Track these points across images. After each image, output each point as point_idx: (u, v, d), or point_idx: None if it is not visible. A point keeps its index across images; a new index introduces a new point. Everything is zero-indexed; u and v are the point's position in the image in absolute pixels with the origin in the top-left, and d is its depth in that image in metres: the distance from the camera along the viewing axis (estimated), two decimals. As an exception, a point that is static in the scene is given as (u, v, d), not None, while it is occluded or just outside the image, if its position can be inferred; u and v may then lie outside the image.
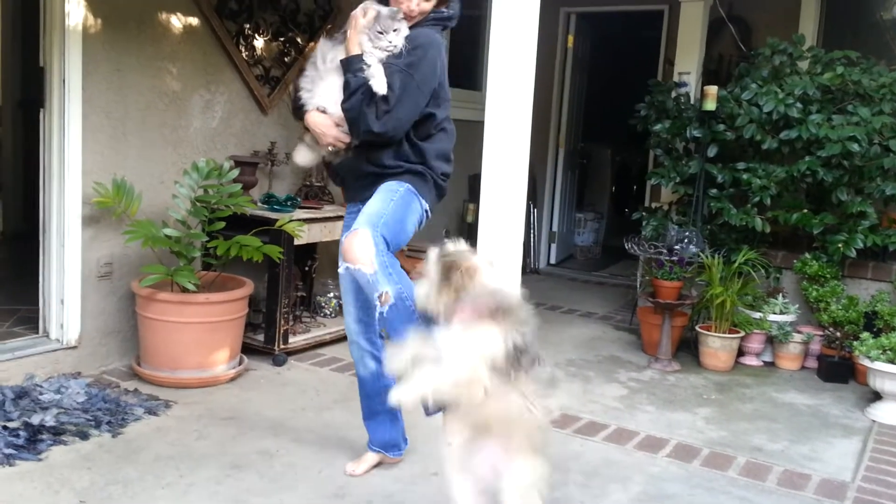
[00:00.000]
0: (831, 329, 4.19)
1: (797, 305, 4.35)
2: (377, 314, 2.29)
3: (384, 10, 2.42)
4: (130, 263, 3.66)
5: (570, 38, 6.70)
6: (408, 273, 2.80)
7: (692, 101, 4.81)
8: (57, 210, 3.47)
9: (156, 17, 3.70)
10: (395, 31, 2.39)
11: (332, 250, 4.73)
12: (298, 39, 4.42)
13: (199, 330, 3.38)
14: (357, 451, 2.91)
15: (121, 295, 3.66)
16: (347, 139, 2.50)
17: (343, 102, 2.43)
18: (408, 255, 5.02)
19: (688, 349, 4.41)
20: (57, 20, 3.33)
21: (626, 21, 6.95)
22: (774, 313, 4.31)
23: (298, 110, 2.55)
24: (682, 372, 4.17)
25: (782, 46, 4.56)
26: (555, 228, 7.01)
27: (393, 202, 2.43)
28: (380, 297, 2.26)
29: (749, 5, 5.60)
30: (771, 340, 4.35)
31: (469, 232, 5.87)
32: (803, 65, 4.61)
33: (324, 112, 2.49)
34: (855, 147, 4.06)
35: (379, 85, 2.37)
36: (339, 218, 4.11)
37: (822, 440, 3.33)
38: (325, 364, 3.87)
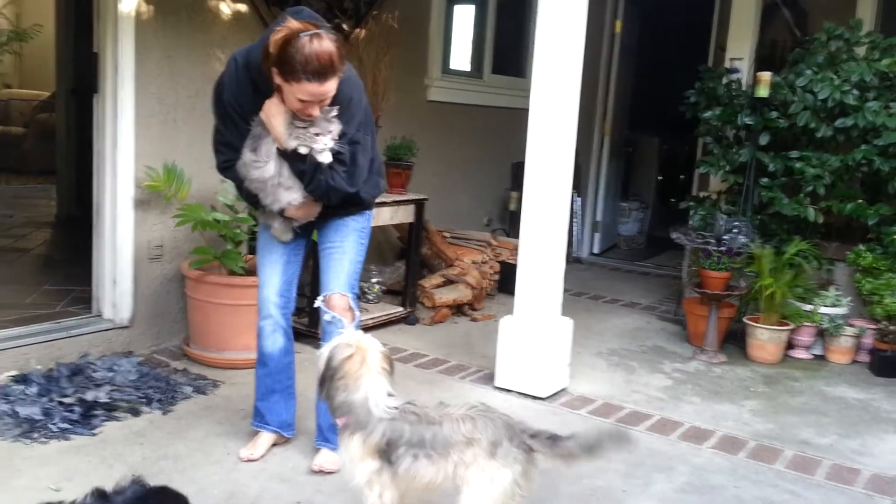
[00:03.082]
0: (885, 322, 4.08)
1: (849, 298, 4.24)
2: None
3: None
4: (180, 246, 3.74)
5: (618, 24, 6.61)
6: (451, 258, 2.80)
7: (744, 88, 4.70)
8: (110, 194, 3.55)
9: (205, 4, 3.75)
10: (329, 132, 2.32)
11: (375, 236, 4.76)
12: (345, 26, 4.44)
13: (245, 312, 3.42)
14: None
15: (171, 277, 3.74)
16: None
17: (307, 188, 2.41)
18: (450, 241, 5.04)
19: (734, 341, 4.34)
20: (110, 7, 3.41)
21: (676, 5, 6.82)
22: (826, 306, 4.21)
23: (253, 199, 2.50)
24: (728, 364, 4.11)
25: (839, 31, 4.43)
26: (599, 218, 6.94)
27: (363, 245, 2.66)
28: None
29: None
30: (821, 333, 4.25)
31: (512, 220, 5.86)
32: (860, 51, 4.47)
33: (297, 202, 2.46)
34: (913, 135, 3.94)
35: (325, 157, 2.34)
36: (389, 204, 4.15)
37: (873, 435, 3.25)
38: (368, 348, 3.90)
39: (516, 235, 3.51)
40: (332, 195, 2.45)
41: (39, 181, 7.64)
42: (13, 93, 9.53)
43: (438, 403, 2.12)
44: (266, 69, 2.25)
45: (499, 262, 5.13)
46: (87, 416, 2.85)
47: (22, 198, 7.19)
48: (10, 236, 5.45)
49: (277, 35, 2.19)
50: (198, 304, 3.53)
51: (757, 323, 4.17)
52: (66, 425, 2.77)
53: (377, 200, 3.70)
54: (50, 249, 5.29)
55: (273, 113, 2.32)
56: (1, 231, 5.58)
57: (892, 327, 4.04)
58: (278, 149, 2.35)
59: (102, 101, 3.51)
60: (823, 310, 4.20)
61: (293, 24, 2.20)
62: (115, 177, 3.53)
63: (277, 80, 2.24)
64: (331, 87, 2.24)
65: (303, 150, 2.32)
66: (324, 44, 2.18)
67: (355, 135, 2.42)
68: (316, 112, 2.28)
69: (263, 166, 2.37)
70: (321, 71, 2.18)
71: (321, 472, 2.59)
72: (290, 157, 2.35)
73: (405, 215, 4.34)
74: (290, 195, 2.42)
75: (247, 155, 2.39)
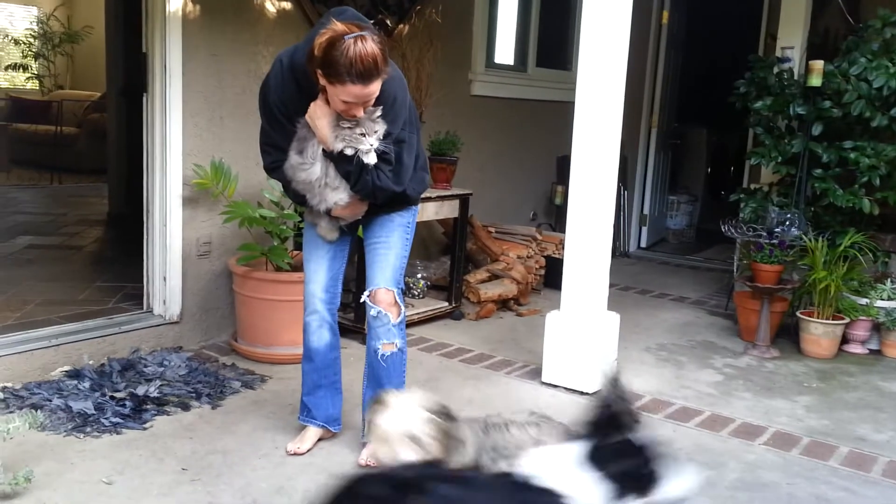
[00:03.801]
0: (945, 316, 3.95)
1: (907, 291, 4.11)
2: (379, 356, 2.58)
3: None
4: (227, 243, 3.79)
5: (665, 14, 6.49)
6: (496, 253, 2.76)
7: (796, 77, 4.59)
8: (159, 191, 3.61)
9: (251, 2, 3.79)
10: (375, 132, 2.31)
11: (420, 231, 4.77)
12: (388, 22, 4.44)
13: (292, 308, 3.45)
14: (446, 429, 2.93)
15: (219, 273, 3.79)
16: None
17: (354, 188, 2.40)
18: (495, 236, 5.02)
19: (787, 335, 4.24)
20: (158, 7, 3.46)
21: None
22: (882, 299, 4.09)
23: (300, 199, 2.52)
24: (780, 359, 4.01)
25: (894, 19, 4.28)
26: (646, 211, 6.84)
27: (408, 240, 2.65)
28: (388, 344, 2.58)
29: (858, -25, 5.29)
30: (878, 327, 4.13)
31: (557, 214, 5.82)
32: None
33: (343, 202, 2.46)
34: (974, 123, 3.79)
35: (370, 158, 2.33)
36: (434, 199, 4.14)
37: (934, 433, 3.15)
38: (413, 344, 3.90)
39: (562, 230, 3.48)
40: (379, 194, 2.45)
41: (92, 180, 7.82)
42: (65, 94, 9.78)
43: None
44: (311, 71, 2.26)
45: (544, 256, 5.09)
46: (137, 411, 2.90)
47: (75, 196, 7.38)
48: (64, 234, 5.59)
49: (322, 38, 2.19)
50: (245, 300, 3.57)
51: (810, 317, 4.06)
52: (117, 419, 2.83)
53: (422, 196, 3.69)
54: (102, 247, 5.42)
55: (318, 115, 2.32)
56: (54, 229, 5.73)
57: (952, 322, 3.91)
58: (324, 150, 2.36)
59: (151, 100, 3.57)
60: (879, 303, 4.08)
61: (337, 26, 2.20)
62: (165, 175, 3.59)
63: (322, 81, 2.24)
64: (375, 88, 2.24)
65: (349, 152, 2.32)
66: (368, 46, 2.17)
67: (401, 133, 2.42)
68: (360, 113, 2.28)
69: (310, 168, 2.38)
70: (365, 73, 2.18)
71: (368, 466, 2.60)
72: (336, 159, 2.35)
73: (450, 210, 4.33)
74: (336, 195, 2.42)
75: (293, 157, 2.40)
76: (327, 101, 2.31)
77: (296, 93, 2.36)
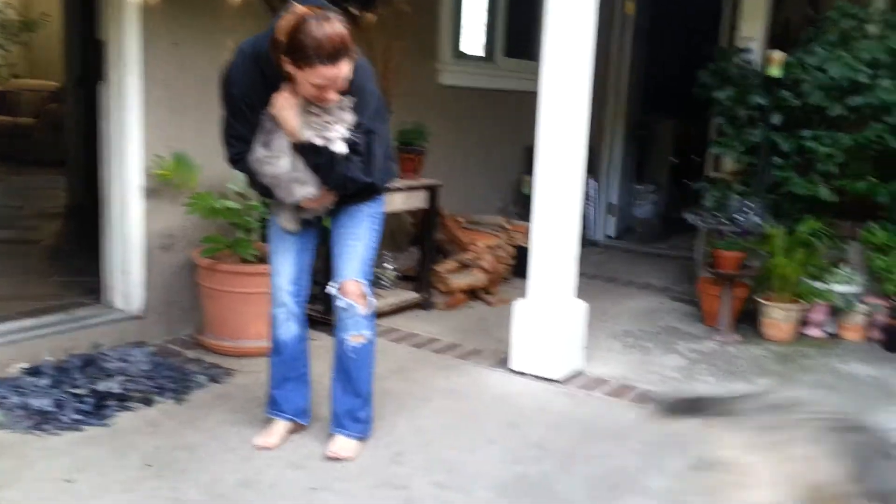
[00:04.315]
0: (898, 300, 4.05)
1: (862, 276, 4.20)
2: (348, 348, 2.57)
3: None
4: (191, 235, 3.73)
5: (630, 6, 6.53)
6: (465, 243, 2.72)
7: (756, 68, 4.65)
8: (118, 183, 3.54)
9: (212, -10, 3.73)
10: (343, 120, 2.29)
11: (389, 222, 4.74)
12: (353, 10, 4.39)
13: (258, 300, 3.41)
14: (415, 418, 2.94)
15: (182, 266, 3.73)
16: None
17: (325, 180, 2.39)
18: (464, 226, 5.02)
19: (748, 320, 4.31)
20: (115, -6, 3.38)
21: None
22: (839, 284, 4.17)
23: (265, 191, 2.49)
24: (742, 343, 4.08)
25: (851, 10, 4.36)
26: (613, 201, 6.90)
27: (376, 231, 2.62)
28: (357, 335, 2.56)
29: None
30: (835, 311, 4.22)
31: (525, 203, 5.83)
32: (873, 29, 4.41)
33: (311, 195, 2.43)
34: (927, 113, 3.89)
35: (340, 147, 2.30)
36: (405, 190, 4.12)
37: (886, 411, 3.22)
38: (383, 334, 3.88)
39: (530, 219, 3.49)
40: (350, 186, 2.43)
41: (50, 172, 7.64)
42: (22, 83, 9.54)
43: None
44: (276, 59, 2.22)
45: (513, 245, 5.10)
46: (99, 407, 2.85)
47: (33, 189, 7.21)
48: (21, 227, 5.47)
49: (285, 22, 2.17)
50: (210, 293, 3.52)
51: (770, 302, 4.14)
52: (78, 416, 2.78)
53: (390, 186, 3.68)
54: (60, 240, 5.31)
55: (283, 106, 2.29)
56: (11, 222, 5.60)
57: (906, 305, 4.01)
58: (292, 143, 2.32)
59: (109, 89, 3.49)
60: (836, 288, 4.16)
61: (299, 9, 2.17)
62: (123, 166, 3.52)
63: (289, 68, 2.21)
64: (345, 69, 2.21)
65: (318, 142, 2.28)
66: (334, 26, 2.15)
67: (370, 124, 2.40)
68: (333, 97, 2.25)
69: (277, 161, 2.34)
70: (334, 53, 2.15)
71: (336, 458, 2.59)
72: (305, 151, 2.32)
73: (418, 201, 4.32)
74: (304, 189, 2.40)
75: (259, 151, 2.36)
76: (293, 92, 2.28)
77: (259, 83, 2.32)
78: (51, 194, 6.72)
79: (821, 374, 3.68)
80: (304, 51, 2.15)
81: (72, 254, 4.73)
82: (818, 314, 4.23)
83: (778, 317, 4.12)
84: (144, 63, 3.47)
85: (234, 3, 3.80)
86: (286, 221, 2.56)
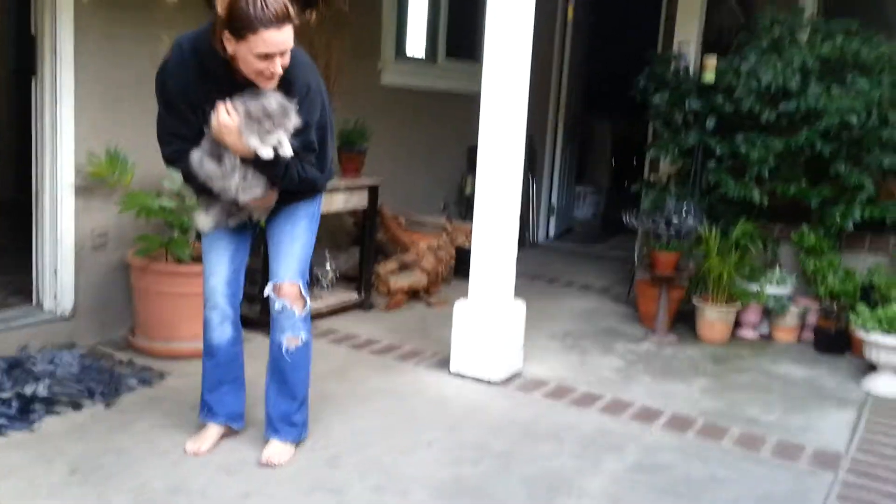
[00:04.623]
0: (828, 301, 4.18)
1: (795, 277, 4.33)
2: (283, 350, 2.53)
3: (268, 106, 2.22)
4: (125, 234, 3.64)
5: (570, 9, 6.62)
6: (406, 244, 2.65)
7: (691, 73, 4.75)
8: (49, 180, 3.44)
9: (148, -16, 3.64)
10: (283, 126, 2.24)
11: (329, 222, 4.70)
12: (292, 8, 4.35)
13: (193, 301, 3.34)
14: (352, 421, 2.92)
15: (115, 266, 3.64)
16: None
17: (282, 184, 2.38)
18: (406, 227, 5.01)
19: (685, 322, 4.40)
20: (47, -13, 3.28)
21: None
22: (771, 285, 4.29)
23: (200, 187, 2.40)
24: (678, 344, 4.17)
25: (782, 17, 4.50)
26: (554, 202, 6.98)
27: (313, 231, 2.58)
28: (293, 338, 2.53)
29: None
30: (768, 313, 4.34)
31: (468, 204, 5.85)
32: (803, 36, 4.55)
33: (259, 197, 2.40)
34: (853, 119, 4.02)
35: (286, 150, 2.27)
36: (342, 190, 4.09)
37: (817, 411, 3.33)
38: (321, 335, 3.86)
39: (472, 220, 3.50)
40: (305, 186, 2.42)
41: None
42: (-50, 77, 9.18)
43: None
44: (217, 45, 2.18)
45: (455, 246, 5.11)
46: (24, 412, 2.76)
47: (-40, 186, 6.93)
48: (-53, 225, 5.26)
49: None
50: (143, 294, 3.44)
51: (706, 303, 4.23)
52: (2, 421, 2.68)
53: (329, 186, 3.65)
54: (-11, 238, 5.11)
55: (226, 130, 2.23)
56: (-63, 220, 5.38)
57: (834, 306, 4.14)
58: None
59: (41, 83, 3.39)
60: (769, 289, 4.28)
61: None
62: (56, 162, 3.42)
63: (231, 46, 2.16)
64: (289, 35, 2.17)
65: (264, 153, 2.23)
66: None
67: (321, 119, 2.38)
68: (278, 69, 2.20)
69: (230, 175, 2.30)
70: (278, 16, 2.12)
71: (270, 464, 2.55)
72: (259, 164, 2.28)
73: (359, 201, 4.29)
74: (252, 193, 2.36)
75: (208, 166, 2.30)
76: (237, 74, 2.22)
77: (198, 79, 2.28)
78: (-20, 190, 6.47)
79: (754, 374, 3.78)
80: (247, 18, 2.11)
81: (1, 252, 4.56)
82: (752, 315, 4.34)
83: (713, 318, 4.22)
84: (77, 57, 3.38)
85: (171, -2, 3.73)
86: (203, 222, 2.49)
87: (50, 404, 2.84)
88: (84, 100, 3.44)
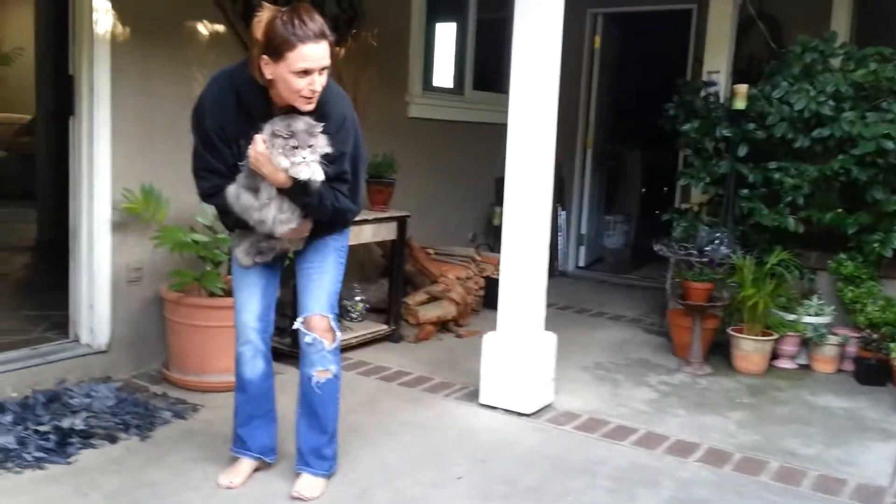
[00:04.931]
0: (868, 331, 4.09)
1: (832, 307, 4.25)
2: (313, 384, 2.53)
3: (294, 125, 2.25)
4: (159, 269, 3.70)
5: (597, 39, 6.65)
6: (435, 275, 2.66)
7: (722, 101, 4.74)
8: (86, 216, 3.52)
9: (182, 24, 3.74)
10: (310, 146, 2.26)
11: (358, 254, 4.73)
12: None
13: (225, 334, 3.37)
14: (381, 453, 2.91)
15: (150, 300, 3.70)
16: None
17: (315, 215, 2.40)
18: (434, 258, 5.02)
19: (719, 352, 4.33)
20: (85, 29, 3.38)
21: (655, 20, 6.88)
22: (809, 315, 4.21)
23: (237, 223, 2.44)
24: (713, 375, 4.10)
25: (813, 44, 4.47)
26: (583, 231, 6.95)
27: (342, 264, 2.60)
28: (323, 371, 2.53)
29: (780, 3, 5.51)
30: (806, 343, 4.25)
31: (496, 235, 5.85)
32: (836, 62, 4.51)
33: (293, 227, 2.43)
34: (889, 145, 3.96)
35: (315, 170, 2.28)
36: (371, 222, 4.12)
37: (859, 444, 3.24)
38: (351, 367, 3.87)
39: (501, 250, 3.50)
40: (338, 216, 2.44)
41: (21, 205, 7.56)
42: (-5, 116, 9.48)
43: None
44: (256, 70, 2.23)
45: (483, 277, 5.12)
46: (62, 445, 2.80)
47: (3, 222, 7.12)
48: (-11, 261, 5.39)
49: (259, 20, 2.19)
50: (177, 327, 3.49)
51: (741, 334, 4.17)
52: (40, 454, 2.72)
53: (358, 218, 3.68)
54: (29, 274, 5.24)
55: (262, 161, 2.27)
56: (-21, 256, 5.53)
57: (874, 335, 4.05)
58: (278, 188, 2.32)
59: (78, 123, 3.48)
60: (806, 319, 4.20)
61: (270, 6, 2.21)
62: (92, 200, 3.50)
63: (269, 69, 2.21)
64: (326, 52, 2.21)
65: (294, 172, 2.26)
66: (309, 9, 2.19)
67: (354, 151, 2.41)
68: (317, 87, 2.23)
69: (266, 207, 2.34)
70: (314, 31, 2.17)
71: (301, 498, 2.54)
72: (293, 193, 2.31)
73: (388, 232, 4.32)
74: (289, 224, 2.39)
75: (245, 198, 2.34)
76: (275, 101, 2.27)
77: (235, 113, 2.32)
78: (21, 227, 6.64)
79: (793, 406, 3.69)
80: (284, 36, 2.16)
81: (40, 287, 4.67)
82: (789, 346, 4.26)
83: (749, 349, 4.15)
84: (114, 97, 3.47)
85: (204, 38, 3.82)
86: (242, 255, 2.52)
87: (87, 437, 2.88)
88: (120, 138, 3.52)
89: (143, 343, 3.70)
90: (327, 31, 2.22)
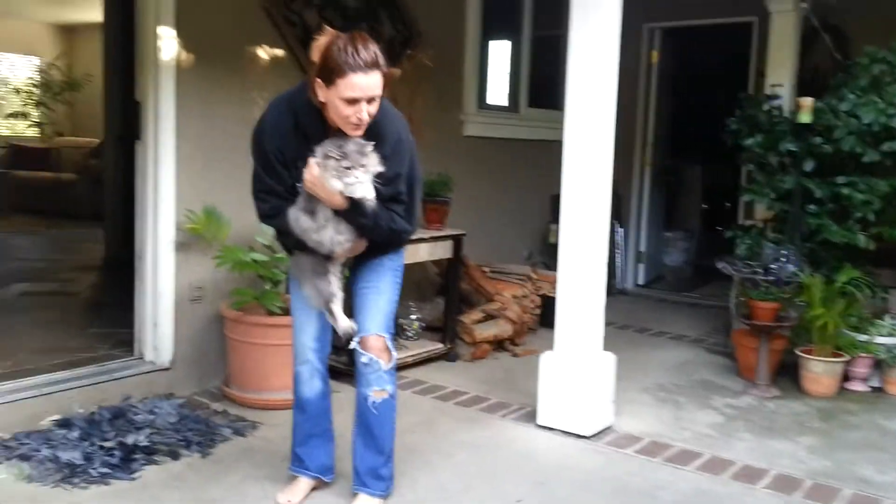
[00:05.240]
0: (946, 352, 3.91)
1: (907, 327, 4.07)
2: (370, 403, 2.52)
3: (345, 146, 2.26)
4: (220, 287, 3.77)
5: (654, 54, 6.57)
6: (491, 293, 2.64)
7: (786, 114, 4.61)
8: (151, 237, 3.60)
9: (243, 49, 3.83)
10: (362, 165, 2.26)
11: (414, 272, 4.74)
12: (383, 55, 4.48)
13: (284, 352, 3.40)
14: (438, 474, 2.88)
15: (211, 318, 3.76)
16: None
17: (371, 236, 2.42)
18: (490, 276, 5.00)
19: (787, 374, 4.19)
20: (151, 55, 3.49)
21: (714, 34, 6.76)
22: (882, 335, 4.04)
23: (297, 244, 2.45)
24: (781, 398, 3.96)
25: (881, 55, 4.32)
26: (642, 248, 6.84)
27: (398, 283, 2.60)
28: (379, 391, 2.52)
29: (845, 14, 5.35)
30: (879, 364, 4.08)
31: (552, 253, 5.80)
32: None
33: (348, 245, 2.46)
34: (966, 158, 3.80)
35: (367, 189, 2.29)
36: (427, 240, 4.13)
37: (939, 472, 3.09)
38: (407, 386, 3.86)
39: (557, 268, 3.46)
40: (393, 237, 2.46)
41: (90, 226, 7.82)
42: (65, 141, 9.88)
43: None
44: (312, 91, 2.26)
45: (540, 295, 5.07)
46: (126, 460, 2.86)
47: (72, 242, 7.38)
48: (59, 280, 5.58)
49: (319, 42, 2.23)
50: (237, 345, 3.54)
51: (810, 355, 4.02)
52: (105, 469, 2.78)
53: (414, 237, 3.68)
54: (96, 293, 5.40)
55: (317, 184, 2.30)
56: (50, 275, 5.72)
57: (953, 357, 3.87)
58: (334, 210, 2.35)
59: (144, 147, 3.58)
60: (879, 339, 4.03)
61: (331, 30, 2.24)
62: (157, 220, 3.59)
63: (322, 93, 2.24)
64: (376, 81, 2.22)
65: (347, 191, 2.28)
66: (365, 38, 2.21)
67: (409, 171, 2.42)
68: (364, 116, 2.24)
69: (324, 229, 2.37)
70: (367, 62, 2.18)
71: None
72: (349, 214, 2.34)
73: (443, 251, 4.32)
74: (344, 246, 2.42)
75: (303, 221, 2.37)
76: (327, 123, 2.30)
77: (293, 135, 2.35)
78: (89, 247, 6.86)
79: (865, 431, 3.54)
80: (336, 62, 2.18)
81: (107, 306, 4.80)
82: (861, 367, 4.09)
83: (818, 370, 4.00)
84: (178, 121, 3.56)
85: (264, 63, 3.90)
86: (311, 293, 2.52)
87: (150, 453, 2.93)
88: (183, 161, 3.61)
89: (205, 361, 3.76)
90: (381, 62, 2.22)
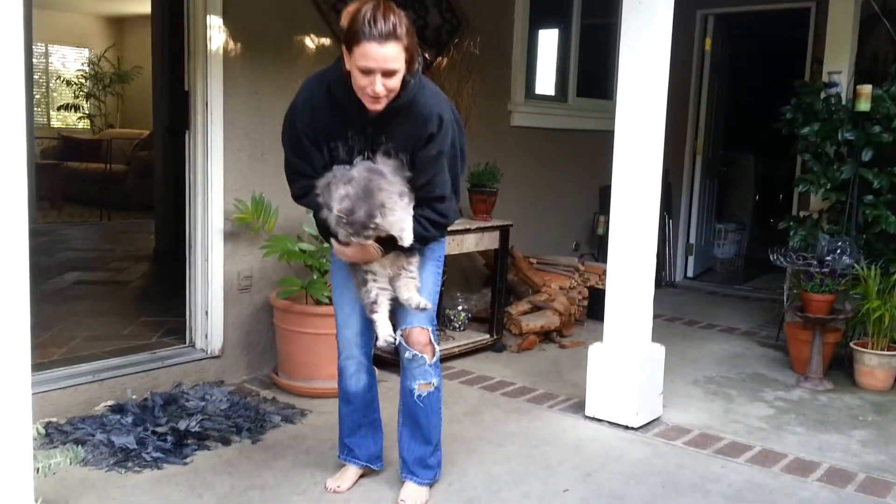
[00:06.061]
0: None
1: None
2: (415, 396, 2.52)
3: (355, 212, 2.23)
4: (268, 276, 3.81)
5: (708, 41, 6.43)
6: (538, 284, 2.61)
7: (843, 102, 4.48)
8: (201, 226, 3.65)
9: (291, 39, 3.85)
10: (381, 205, 2.23)
11: (461, 263, 4.74)
12: (426, 55, 4.47)
13: (332, 341, 3.42)
14: (485, 464, 2.88)
15: (260, 307, 3.81)
16: None
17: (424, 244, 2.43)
18: (537, 267, 4.96)
19: (840, 367, 4.09)
20: (199, 46, 3.52)
21: (769, 20, 6.60)
22: (941, 329, 3.92)
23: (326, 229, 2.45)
24: (834, 391, 3.86)
25: (945, 39, 4.18)
26: (692, 240, 6.72)
27: (439, 274, 2.58)
28: (424, 384, 2.52)
29: (906, -3, 5.18)
30: (938, 359, 3.95)
31: (600, 244, 5.74)
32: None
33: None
34: None
35: (407, 234, 2.30)
36: (474, 231, 4.11)
37: None
38: (454, 377, 3.86)
39: (605, 260, 3.43)
40: (441, 231, 2.45)
41: (140, 216, 8.00)
42: (115, 132, 10.08)
43: None
44: (343, 67, 2.22)
45: (587, 287, 5.02)
46: (178, 446, 2.91)
47: (123, 232, 7.54)
48: (111, 270, 5.70)
49: (349, 7, 2.18)
50: (285, 334, 3.58)
51: (865, 348, 3.91)
52: (158, 454, 2.84)
53: (461, 227, 3.68)
54: (147, 282, 5.50)
55: (345, 253, 2.36)
56: (102, 265, 5.85)
57: None
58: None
59: (193, 137, 3.63)
60: (938, 334, 3.91)
61: None
62: (207, 210, 3.63)
63: (347, 61, 2.20)
64: (392, 54, 2.14)
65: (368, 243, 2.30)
66: (389, 8, 2.15)
67: (453, 151, 2.36)
68: (379, 89, 2.16)
69: (374, 283, 2.44)
70: (382, 32, 2.11)
71: None
72: (387, 245, 2.34)
73: (490, 242, 4.30)
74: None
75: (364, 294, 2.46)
76: (358, 121, 2.28)
77: (328, 114, 2.31)
78: (140, 238, 7.01)
79: (922, 425, 3.45)
80: (356, 28, 2.13)
81: (158, 295, 4.90)
82: (918, 361, 3.97)
83: (873, 364, 3.89)
84: (226, 112, 3.60)
85: (311, 52, 3.91)
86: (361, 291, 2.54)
87: (201, 439, 2.98)
88: (231, 151, 3.65)
89: (254, 349, 3.81)
90: (400, 34, 2.14)
